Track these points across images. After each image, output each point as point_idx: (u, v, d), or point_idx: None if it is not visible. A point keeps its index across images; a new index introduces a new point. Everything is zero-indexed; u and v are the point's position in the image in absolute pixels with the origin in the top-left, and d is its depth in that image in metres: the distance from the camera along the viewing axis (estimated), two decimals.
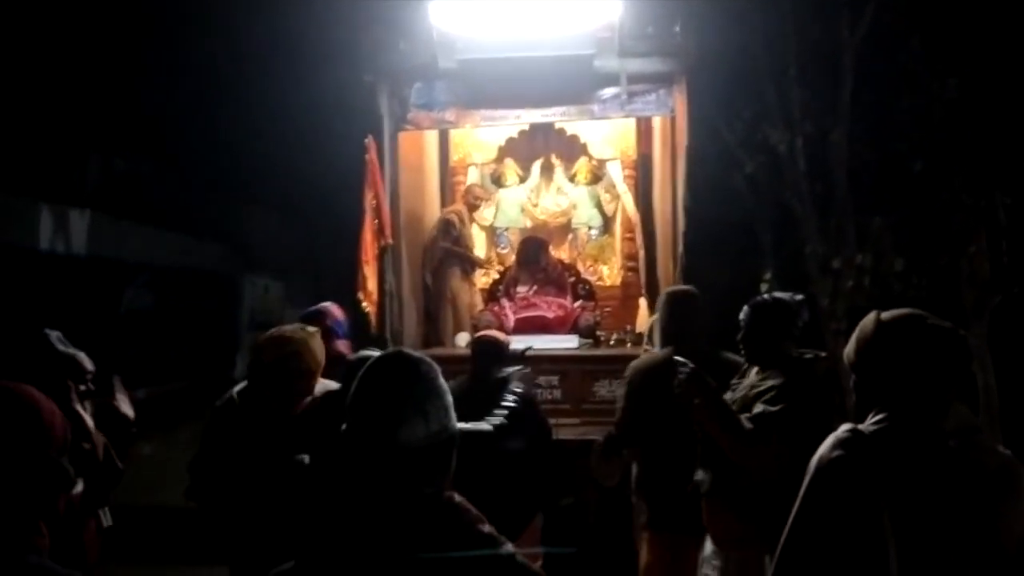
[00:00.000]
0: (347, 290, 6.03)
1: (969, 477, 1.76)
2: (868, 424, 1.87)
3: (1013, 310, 7.63)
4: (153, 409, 8.25)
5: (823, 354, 3.12)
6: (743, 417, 2.87)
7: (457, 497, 1.43)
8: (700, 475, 3.10)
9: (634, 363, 3.84)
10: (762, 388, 2.97)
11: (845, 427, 1.86)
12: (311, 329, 3.47)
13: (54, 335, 3.13)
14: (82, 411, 3.09)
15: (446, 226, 6.71)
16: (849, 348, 1.98)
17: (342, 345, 4.37)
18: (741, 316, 3.18)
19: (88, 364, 3.15)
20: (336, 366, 3.99)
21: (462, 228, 6.79)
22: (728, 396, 3.06)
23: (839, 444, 1.82)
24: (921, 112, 8.05)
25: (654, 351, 3.88)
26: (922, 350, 1.86)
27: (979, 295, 7.37)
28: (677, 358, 3.04)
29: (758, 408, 2.87)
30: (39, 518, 1.49)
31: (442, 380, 1.50)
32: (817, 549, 1.78)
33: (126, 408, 3.61)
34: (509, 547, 1.40)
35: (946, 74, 7.92)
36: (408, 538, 1.34)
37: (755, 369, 3.15)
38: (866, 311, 6.46)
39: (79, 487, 2.94)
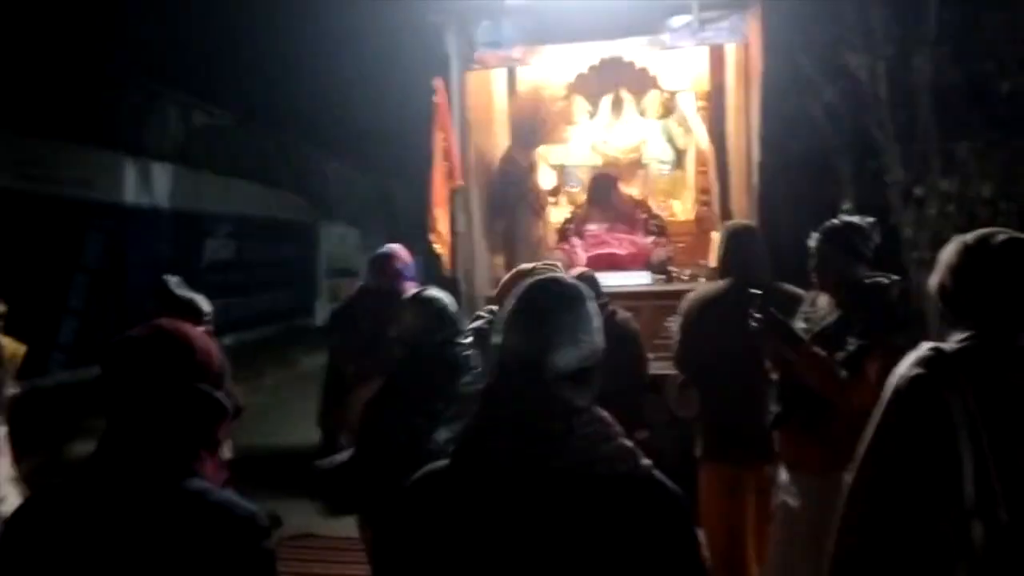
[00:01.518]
0: (420, 233, 6.11)
1: None
2: (951, 343, 1.83)
3: None
4: (237, 356, 8.53)
5: (896, 277, 3.04)
6: (832, 356, 2.83)
7: (604, 412, 1.48)
8: (776, 408, 3.08)
9: (690, 294, 3.82)
10: (843, 319, 2.91)
11: (927, 345, 1.84)
12: None
13: (173, 280, 3.27)
14: None
15: (504, 173, 6.71)
16: (934, 277, 1.95)
17: (411, 287, 4.46)
18: (811, 241, 3.11)
19: (206, 306, 3.28)
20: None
21: (522, 169, 6.79)
22: (801, 326, 3.01)
23: (920, 362, 1.79)
24: (1009, 30, 7.68)
25: (708, 285, 3.85)
26: (1004, 265, 1.82)
27: None
28: (753, 291, 3.00)
29: (851, 344, 2.82)
30: (200, 447, 1.60)
31: (592, 303, 1.54)
32: (894, 467, 1.77)
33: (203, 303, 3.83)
34: (647, 461, 1.45)
35: None
36: (557, 448, 1.40)
37: (826, 297, 3.09)
38: (951, 240, 6.30)
39: None
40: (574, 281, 1.56)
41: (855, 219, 3.11)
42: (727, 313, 3.41)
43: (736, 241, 3.65)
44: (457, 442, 1.49)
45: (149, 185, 11.74)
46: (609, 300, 4.82)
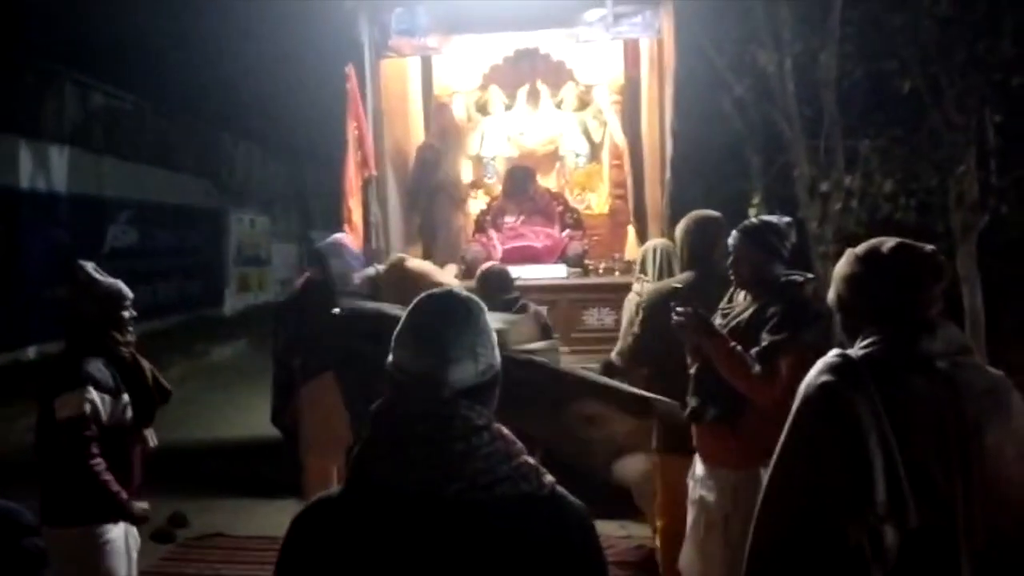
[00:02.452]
0: (333, 222, 5.98)
1: (958, 397, 1.76)
2: (856, 348, 1.87)
3: (1000, 231, 7.64)
4: (145, 346, 8.24)
5: (811, 275, 3.12)
6: (745, 351, 2.88)
7: (504, 429, 1.44)
8: (693, 402, 3.12)
9: (651, 287, 3.89)
10: (757, 315, 2.96)
11: (834, 352, 1.86)
12: None
13: (89, 266, 3.10)
14: (129, 336, 3.11)
15: (423, 163, 6.62)
16: (832, 290, 2.00)
17: (358, 277, 4.39)
18: (729, 240, 3.16)
19: (127, 291, 3.13)
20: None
21: (442, 159, 6.71)
22: (719, 322, 3.06)
23: (828, 369, 1.82)
24: (911, 30, 7.93)
25: (669, 279, 3.87)
26: (896, 271, 1.86)
27: (967, 216, 7.37)
28: (675, 285, 3.03)
29: (764, 340, 2.87)
30: None
31: (487, 317, 1.49)
32: (805, 472, 1.79)
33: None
34: (550, 478, 1.42)
35: None
36: (456, 469, 1.35)
37: (743, 293, 3.15)
38: (854, 234, 6.52)
39: (128, 410, 3.00)
40: (467, 294, 1.52)
41: (773, 218, 3.17)
42: (691, 305, 3.43)
43: (701, 232, 3.65)
44: (350, 467, 1.43)
45: (45, 169, 11.20)
46: (522, 294, 4.85)
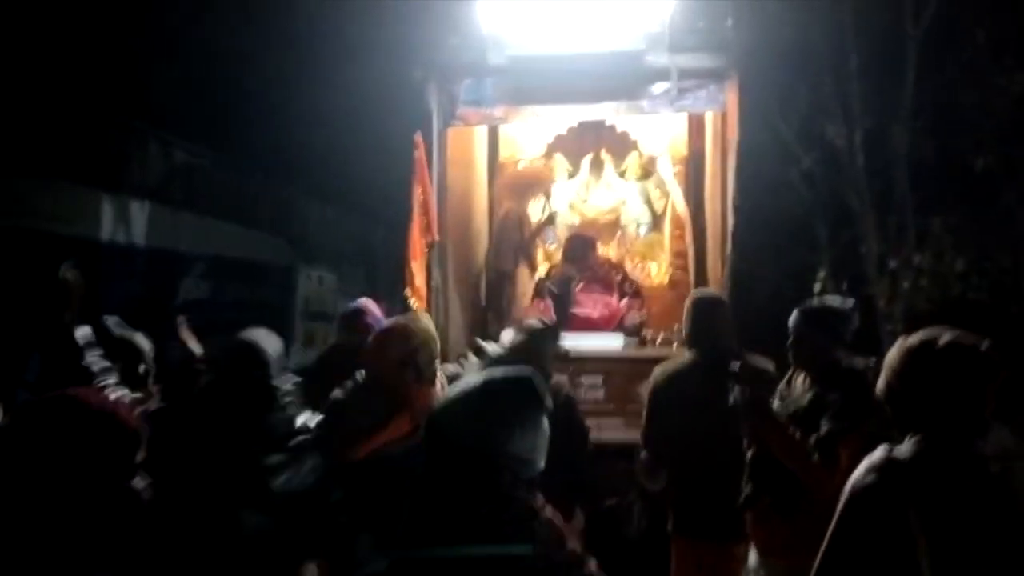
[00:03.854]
0: (398, 279, 6.07)
1: (1008, 504, 1.69)
2: (903, 448, 1.81)
3: None
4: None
5: (872, 361, 3.05)
6: (804, 438, 2.81)
7: (548, 510, 1.44)
8: (747, 488, 3.04)
9: (656, 370, 3.82)
10: (818, 401, 2.89)
11: (880, 451, 1.81)
12: None
13: (112, 320, 3.21)
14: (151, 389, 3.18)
15: (519, 222, 6.76)
16: (880, 381, 1.95)
17: None
18: (790, 321, 3.11)
19: (145, 345, 3.21)
20: None
21: (523, 223, 6.85)
22: (777, 405, 3.00)
23: (873, 469, 1.77)
24: (985, 107, 7.81)
25: (673, 360, 3.83)
26: (948, 369, 1.82)
27: None
28: (733, 367, 2.99)
29: (824, 428, 2.80)
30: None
31: (546, 399, 1.51)
32: (849, 571, 1.74)
33: (193, 345, 3.75)
34: (594, 567, 1.41)
35: (1011, 68, 7.67)
36: (516, 564, 1.35)
37: (802, 376, 3.09)
38: (925, 313, 6.34)
39: None
40: (531, 374, 1.53)
41: (836, 301, 3.14)
42: (695, 386, 3.40)
43: (702, 312, 3.65)
44: (394, 544, 1.43)
45: (125, 222, 11.63)
46: (570, 364, 4.81)
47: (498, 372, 1.54)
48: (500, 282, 6.68)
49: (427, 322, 3.80)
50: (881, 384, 1.96)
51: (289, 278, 17.16)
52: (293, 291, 17.11)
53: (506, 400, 1.47)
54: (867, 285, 8.39)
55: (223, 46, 10.35)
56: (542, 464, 1.47)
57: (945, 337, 1.87)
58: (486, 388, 1.50)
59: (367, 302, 4.78)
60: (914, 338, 1.93)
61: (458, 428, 1.47)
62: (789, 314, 3.63)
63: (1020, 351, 7.21)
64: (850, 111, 8.62)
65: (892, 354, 1.95)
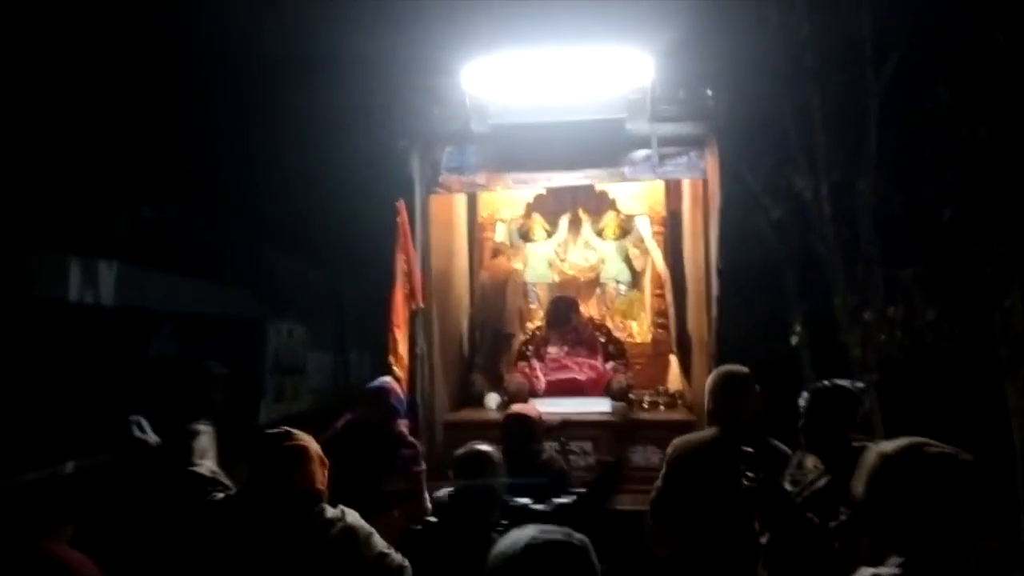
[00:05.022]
0: (370, 334, 6.00)
1: None
2: (886, 569, 1.80)
3: None
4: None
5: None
6: (824, 523, 2.80)
7: None
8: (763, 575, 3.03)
9: (677, 440, 3.77)
10: (835, 486, 2.89)
11: (867, 572, 1.80)
12: None
13: (139, 422, 3.13)
14: None
15: (482, 295, 6.79)
16: (856, 483, 1.91)
17: (403, 426, 4.35)
18: (801, 402, 3.13)
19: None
20: (395, 446, 3.96)
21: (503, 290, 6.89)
22: (791, 489, 3.00)
23: None
24: (949, 158, 8.00)
25: (695, 434, 3.81)
26: (927, 483, 1.78)
27: (1014, 348, 7.26)
28: (746, 448, 2.97)
29: (843, 514, 2.80)
30: None
31: (594, 557, 1.48)
32: None
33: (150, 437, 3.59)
34: None
35: (972, 120, 7.88)
36: None
37: (812, 458, 3.10)
38: (899, 362, 6.39)
39: None
40: (579, 540, 1.51)
41: (845, 383, 3.16)
42: (713, 464, 3.39)
43: (728, 389, 3.61)
44: None
45: (93, 283, 11.46)
46: (559, 436, 4.80)
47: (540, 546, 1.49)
48: (498, 343, 6.69)
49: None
50: (857, 486, 1.90)
51: (258, 333, 17.02)
52: (263, 345, 16.97)
53: None
54: (840, 334, 8.50)
55: (198, 106, 10.31)
56: None
57: (929, 449, 1.82)
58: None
59: (391, 381, 4.67)
60: (891, 445, 1.88)
61: None
62: (773, 374, 3.66)
63: (993, 399, 7.33)
64: (816, 163, 8.79)
65: (869, 460, 1.89)
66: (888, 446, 1.88)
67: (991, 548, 1.79)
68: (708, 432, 3.58)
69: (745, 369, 3.69)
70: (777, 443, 3.46)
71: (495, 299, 6.92)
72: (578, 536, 1.50)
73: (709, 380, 3.71)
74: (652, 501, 3.76)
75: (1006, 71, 7.73)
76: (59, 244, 10.66)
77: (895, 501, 1.81)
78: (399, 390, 4.57)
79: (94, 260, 11.52)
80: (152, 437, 3.09)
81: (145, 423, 3.14)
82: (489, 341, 6.79)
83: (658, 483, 3.73)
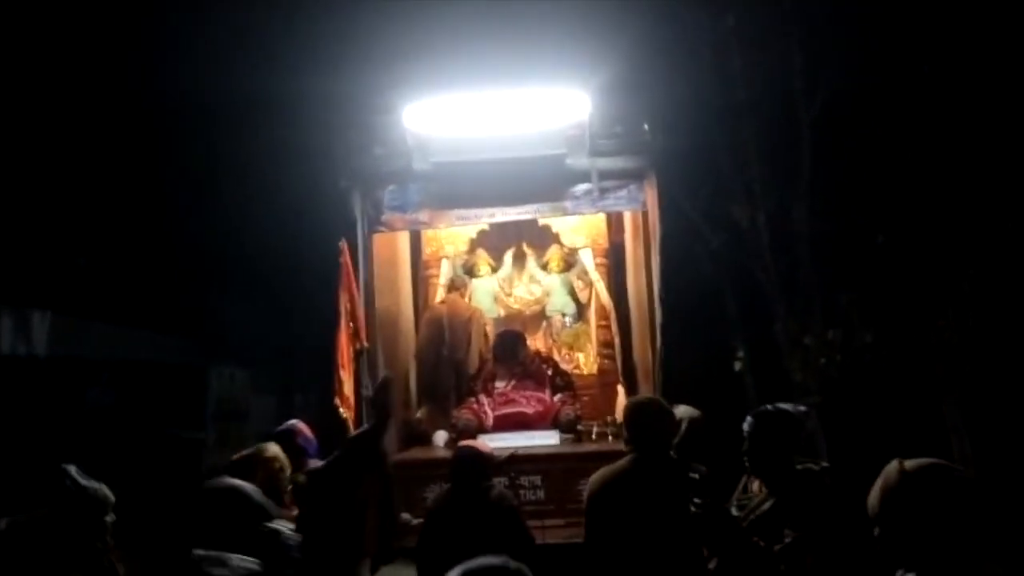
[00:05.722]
0: (316, 378, 5.93)
1: None
2: None
3: (986, 379, 7.75)
4: (123, 507, 8.00)
5: (826, 464, 3.13)
6: (769, 546, 2.83)
7: None
8: None
9: (593, 477, 3.73)
10: (779, 509, 2.93)
11: None
12: None
13: (73, 470, 3.03)
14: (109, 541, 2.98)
15: (440, 330, 6.76)
16: (872, 498, 1.95)
17: (314, 464, 4.31)
18: (744, 427, 3.17)
19: (111, 496, 3.03)
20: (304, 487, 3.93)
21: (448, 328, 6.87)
22: (736, 514, 3.03)
23: None
24: (878, 185, 8.27)
25: (611, 465, 3.77)
26: (948, 506, 1.83)
27: (950, 367, 7.49)
28: (694, 475, 3.00)
29: (788, 536, 2.83)
30: None
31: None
32: None
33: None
34: None
35: (901, 148, 8.17)
36: None
37: (757, 483, 3.14)
38: (840, 384, 6.56)
39: None
40: (516, 567, 1.51)
41: (788, 407, 3.21)
42: (633, 491, 3.39)
43: (639, 416, 3.65)
44: None
45: (26, 334, 11.14)
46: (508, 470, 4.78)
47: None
48: (459, 380, 6.67)
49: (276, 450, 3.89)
50: (873, 501, 1.94)
51: (200, 378, 16.65)
52: (204, 391, 16.61)
53: None
54: (783, 359, 8.67)
55: (134, 152, 10.18)
56: None
57: (946, 470, 1.88)
58: None
59: (298, 423, 4.71)
60: (914, 463, 1.92)
61: None
62: (719, 400, 3.72)
63: (932, 418, 7.51)
64: (752, 192, 9.00)
65: (890, 474, 1.92)
66: (909, 463, 1.92)
67: (995, 572, 1.83)
68: (623, 461, 3.58)
69: (656, 397, 3.75)
70: (697, 466, 3.50)
71: (459, 335, 6.89)
72: (515, 564, 1.50)
73: (623, 410, 3.75)
74: (584, 540, 3.71)
75: (932, 100, 8.05)
76: None
77: (911, 517, 1.85)
78: (307, 431, 4.58)
79: (27, 312, 11.25)
80: (91, 484, 2.98)
81: (77, 471, 3.04)
82: (447, 377, 6.75)
83: (585, 521, 3.67)
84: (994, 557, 1.86)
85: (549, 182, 5.79)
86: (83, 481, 3.00)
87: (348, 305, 5.73)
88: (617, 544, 3.44)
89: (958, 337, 7.52)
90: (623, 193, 5.80)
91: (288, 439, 4.47)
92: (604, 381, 7.02)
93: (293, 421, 4.83)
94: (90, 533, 2.93)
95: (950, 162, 7.78)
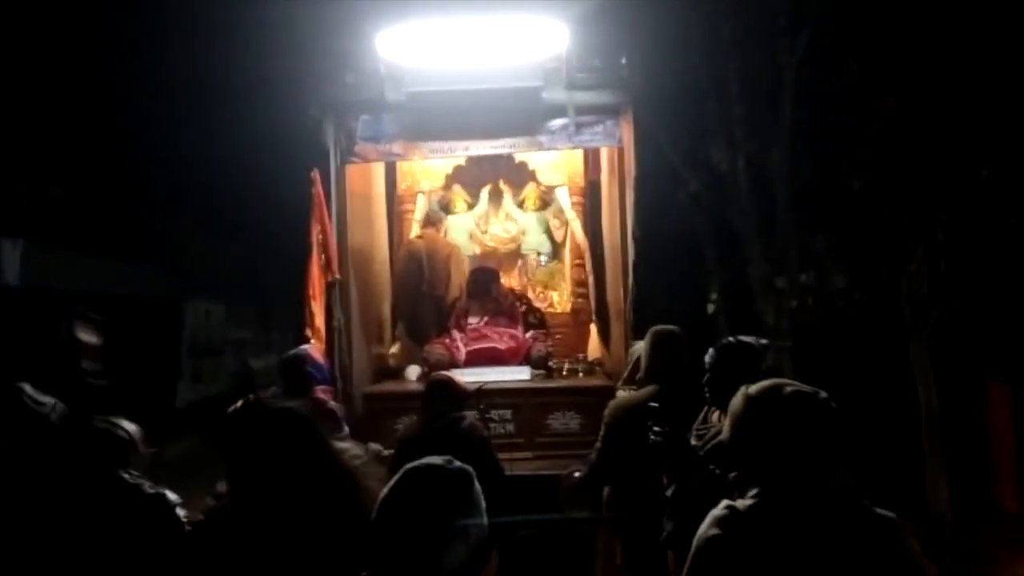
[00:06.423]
0: (293, 314, 5.91)
1: (843, 546, 1.77)
2: (744, 500, 1.88)
3: (952, 327, 7.82)
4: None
5: None
6: (723, 474, 2.87)
7: None
8: (668, 526, 3.09)
9: (613, 402, 3.83)
10: None
11: (723, 504, 1.89)
12: None
13: (27, 387, 2.98)
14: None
15: (419, 265, 6.75)
16: (726, 426, 2.03)
17: (321, 391, 4.28)
18: (706, 358, 3.19)
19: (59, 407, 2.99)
20: (316, 415, 3.90)
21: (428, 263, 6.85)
22: (695, 443, 3.06)
23: (716, 522, 1.85)
24: (859, 130, 8.21)
25: (633, 392, 3.82)
26: (785, 420, 1.88)
27: (918, 312, 7.53)
28: (651, 404, 3.03)
29: None
30: None
31: (476, 485, 1.47)
32: None
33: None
34: None
35: (881, 92, 8.10)
36: None
37: (717, 413, 3.16)
38: (811, 328, 6.57)
39: None
40: (458, 467, 1.51)
41: (750, 339, 3.22)
42: (647, 422, 3.42)
43: (662, 347, 3.68)
44: None
45: None
46: (479, 401, 4.82)
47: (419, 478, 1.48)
48: (428, 309, 6.66)
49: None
50: (724, 428, 2.03)
51: (174, 312, 16.55)
52: (180, 326, 16.52)
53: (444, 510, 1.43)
54: (755, 303, 8.70)
55: (104, 77, 9.94)
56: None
57: (786, 388, 1.94)
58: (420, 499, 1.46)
59: (308, 349, 4.58)
60: (755, 387, 2.00)
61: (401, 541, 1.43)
62: (691, 343, 3.73)
63: (899, 362, 7.59)
64: (733, 136, 8.94)
65: (735, 402, 2.01)
66: (752, 388, 1.99)
67: (843, 480, 1.86)
68: (646, 390, 3.61)
69: (677, 328, 3.76)
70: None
71: (438, 272, 6.87)
72: (458, 463, 1.50)
73: (645, 339, 3.76)
74: (590, 464, 3.79)
75: (914, 44, 7.97)
76: None
77: (754, 436, 1.91)
78: (317, 357, 4.49)
79: None
80: (48, 402, 2.95)
81: (33, 390, 3.00)
82: (427, 312, 6.74)
83: (597, 444, 3.75)
84: (843, 467, 1.89)
85: (525, 116, 5.73)
86: (40, 398, 2.98)
87: (320, 236, 5.69)
88: (630, 468, 3.48)
89: (928, 283, 7.55)
90: (599, 128, 5.75)
91: (294, 367, 4.37)
92: (577, 320, 7.05)
93: (303, 347, 4.72)
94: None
95: (928, 109, 7.73)
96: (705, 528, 1.86)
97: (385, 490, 1.48)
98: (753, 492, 1.88)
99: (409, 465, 1.51)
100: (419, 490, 1.45)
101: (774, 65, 8.70)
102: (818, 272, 8.19)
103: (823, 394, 1.93)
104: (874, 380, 7.85)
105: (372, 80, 5.62)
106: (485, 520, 1.50)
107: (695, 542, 1.87)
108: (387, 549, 1.41)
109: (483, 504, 1.49)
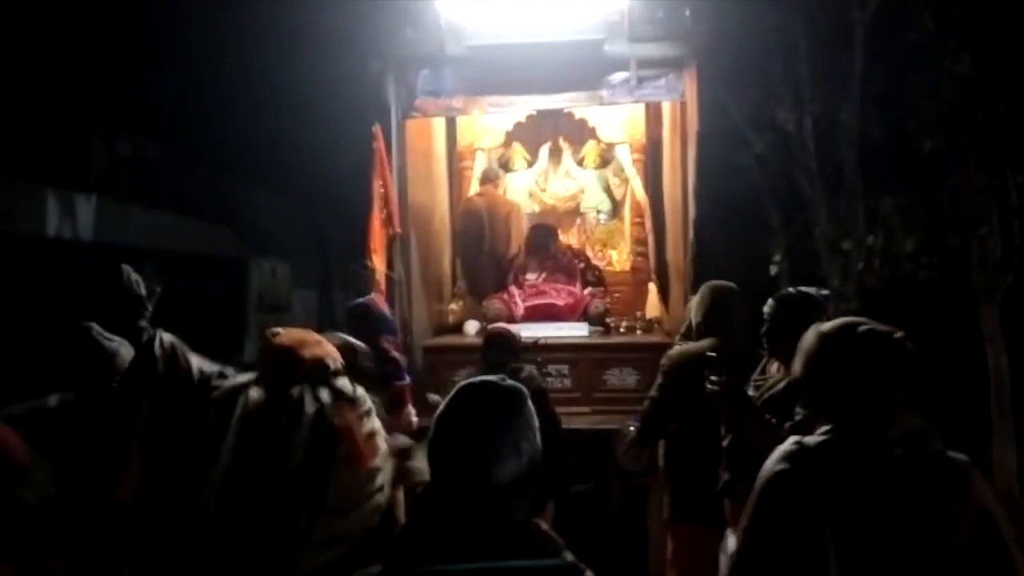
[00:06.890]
0: (353, 271, 5.99)
1: (913, 485, 1.75)
2: (814, 436, 1.86)
3: None
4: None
5: None
6: (779, 425, 2.85)
7: (542, 524, 1.44)
8: (725, 476, 3.09)
9: (671, 352, 3.81)
10: (792, 388, 2.93)
11: (791, 440, 1.87)
12: None
13: (95, 329, 3.11)
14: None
15: (480, 223, 6.87)
16: (795, 364, 2.01)
17: (387, 341, 4.32)
18: (766, 309, 3.16)
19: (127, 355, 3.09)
20: (381, 362, 3.97)
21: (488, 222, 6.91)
22: (752, 394, 3.04)
23: (784, 457, 1.83)
24: (932, 90, 7.96)
25: (692, 344, 3.80)
26: (858, 357, 1.86)
27: (990, 277, 7.32)
28: (709, 353, 3.02)
29: (798, 414, 2.85)
30: None
31: (529, 405, 1.50)
32: (765, 561, 1.79)
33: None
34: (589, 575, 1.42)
35: (958, 50, 7.82)
36: (496, 565, 1.35)
37: (776, 364, 3.14)
38: (877, 292, 6.47)
39: None
40: (511, 384, 1.53)
41: (811, 290, 3.18)
42: (704, 374, 3.42)
43: (720, 301, 3.67)
44: (388, 556, 1.43)
45: (72, 217, 11.34)
46: (536, 354, 4.85)
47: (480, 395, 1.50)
48: (490, 266, 6.71)
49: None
50: (796, 366, 2.01)
51: (241, 271, 16.90)
52: (246, 284, 16.87)
53: (502, 425, 1.45)
54: (820, 265, 8.55)
55: (172, 38, 10.13)
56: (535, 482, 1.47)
57: (860, 327, 1.91)
58: (478, 415, 1.48)
59: (373, 298, 4.64)
60: (828, 325, 1.98)
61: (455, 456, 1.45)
62: (752, 306, 3.70)
63: (968, 328, 7.40)
64: (800, 96, 8.74)
65: (807, 340, 1.99)
66: (825, 326, 1.97)
67: (913, 419, 1.84)
68: (705, 342, 3.60)
69: (732, 284, 3.74)
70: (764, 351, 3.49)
71: (499, 229, 6.90)
72: (511, 382, 1.52)
73: (699, 294, 3.75)
74: (643, 415, 3.79)
75: (991, 3, 7.68)
76: (36, 176, 10.56)
77: (827, 373, 1.90)
78: (383, 307, 4.55)
79: (71, 193, 11.44)
80: (117, 338, 3.06)
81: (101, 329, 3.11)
82: (489, 269, 6.79)
83: (652, 393, 3.75)
84: (914, 405, 1.87)
85: (586, 69, 5.66)
86: (103, 341, 3.09)
87: (381, 190, 5.74)
88: (687, 418, 3.51)
89: (1001, 247, 7.31)
90: (662, 83, 5.66)
91: (362, 315, 4.32)
92: (636, 279, 7.02)
93: (368, 297, 4.74)
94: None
95: (1005, 67, 7.45)
96: (772, 463, 1.85)
97: (442, 405, 1.51)
98: (823, 429, 1.87)
99: (464, 381, 1.53)
100: (472, 404, 1.48)
101: (845, 23, 8.47)
102: (886, 235, 8.00)
103: (899, 333, 1.90)
104: (941, 346, 7.66)
105: (432, 34, 5.62)
106: (538, 440, 1.51)
107: (760, 477, 1.87)
108: (440, 461, 1.44)
109: (536, 424, 1.51)
